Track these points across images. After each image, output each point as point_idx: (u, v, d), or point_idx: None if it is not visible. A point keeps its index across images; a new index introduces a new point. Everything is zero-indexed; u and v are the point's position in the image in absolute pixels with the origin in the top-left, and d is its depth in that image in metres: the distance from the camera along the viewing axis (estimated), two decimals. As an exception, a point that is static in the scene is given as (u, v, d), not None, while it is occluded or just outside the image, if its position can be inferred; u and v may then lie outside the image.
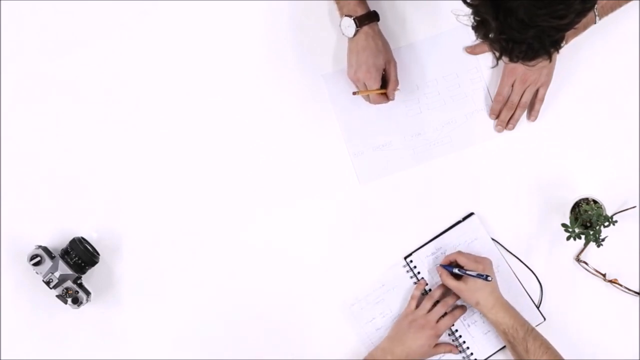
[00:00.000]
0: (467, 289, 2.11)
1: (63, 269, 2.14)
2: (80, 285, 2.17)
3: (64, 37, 2.26)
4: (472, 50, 2.24)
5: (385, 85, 2.19)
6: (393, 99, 2.20)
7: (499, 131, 2.24)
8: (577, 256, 2.19)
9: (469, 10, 1.62)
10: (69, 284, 2.13)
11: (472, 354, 2.19)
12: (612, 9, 2.14)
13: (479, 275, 2.08)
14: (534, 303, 2.20)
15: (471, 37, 2.20)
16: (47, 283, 2.13)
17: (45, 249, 2.16)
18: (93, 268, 2.20)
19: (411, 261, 2.22)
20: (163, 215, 2.24)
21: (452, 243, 2.22)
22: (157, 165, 2.25)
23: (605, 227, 2.07)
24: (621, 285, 2.18)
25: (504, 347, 2.16)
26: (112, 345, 2.23)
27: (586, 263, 2.18)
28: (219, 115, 2.25)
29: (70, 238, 2.18)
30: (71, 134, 2.25)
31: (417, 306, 2.18)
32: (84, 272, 2.18)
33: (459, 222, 2.22)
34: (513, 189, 2.22)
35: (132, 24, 2.27)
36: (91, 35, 2.26)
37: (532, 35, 1.57)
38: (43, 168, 2.25)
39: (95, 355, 2.22)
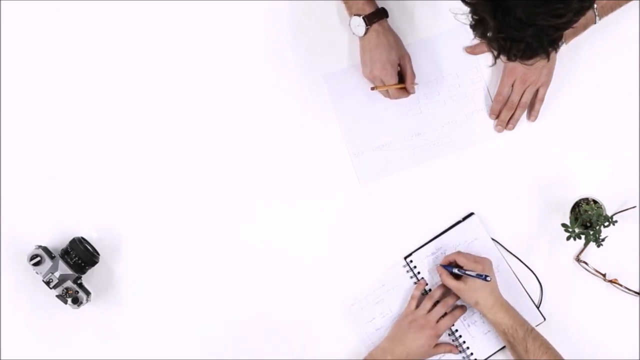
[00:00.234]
0: (467, 289, 2.11)
1: (63, 269, 2.14)
2: (80, 285, 2.17)
3: (64, 37, 2.26)
4: (472, 50, 2.24)
5: (402, 80, 2.19)
6: (414, 92, 2.20)
7: (499, 131, 2.24)
8: (577, 256, 2.19)
9: (467, 9, 1.62)
10: (69, 284, 2.14)
11: (472, 354, 2.19)
12: (612, 9, 2.14)
13: (479, 276, 2.08)
14: (534, 303, 2.20)
15: (471, 37, 2.20)
16: (47, 283, 2.13)
17: (45, 249, 2.16)
18: (93, 268, 2.20)
19: (411, 261, 2.22)
20: (163, 215, 2.24)
21: (452, 243, 2.22)
22: (157, 165, 2.25)
23: (605, 227, 2.07)
24: (621, 285, 2.18)
25: (504, 347, 2.16)
26: (112, 345, 2.23)
27: (586, 263, 2.18)
28: (219, 115, 2.25)
29: (70, 238, 2.18)
30: (71, 133, 2.25)
31: (417, 306, 2.18)
32: (84, 272, 2.18)
33: (459, 222, 2.22)
34: (513, 189, 2.22)
35: (132, 24, 2.27)
36: (91, 35, 2.26)
37: (531, 34, 1.57)
38: (43, 168, 2.25)
39: (95, 355, 2.22)
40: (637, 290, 2.18)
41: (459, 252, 2.16)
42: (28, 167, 2.25)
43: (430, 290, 2.21)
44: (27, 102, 2.25)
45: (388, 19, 2.17)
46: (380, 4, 2.18)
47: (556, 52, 1.65)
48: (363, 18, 2.12)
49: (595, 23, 2.14)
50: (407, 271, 2.22)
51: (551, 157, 2.22)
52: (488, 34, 1.61)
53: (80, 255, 2.15)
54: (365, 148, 2.25)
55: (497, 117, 2.23)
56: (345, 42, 2.18)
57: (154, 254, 2.24)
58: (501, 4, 1.55)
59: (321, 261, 2.23)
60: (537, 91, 2.20)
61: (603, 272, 2.18)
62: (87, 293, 2.17)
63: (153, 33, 2.27)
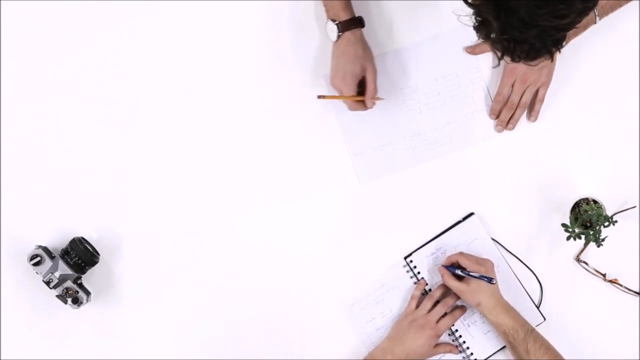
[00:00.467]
0: (469, 290, 2.11)
1: (63, 269, 2.14)
2: (80, 285, 2.17)
3: (64, 37, 2.26)
4: (472, 50, 2.24)
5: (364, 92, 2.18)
6: (370, 107, 2.18)
7: (499, 131, 2.24)
8: (577, 256, 2.19)
9: (470, 11, 1.62)
10: (69, 284, 2.13)
11: (472, 354, 2.19)
12: (612, 9, 2.14)
13: (483, 277, 2.08)
14: (534, 303, 2.20)
15: (471, 37, 2.22)
16: (47, 283, 2.13)
17: (45, 249, 2.15)
18: (93, 268, 2.20)
19: (411, 261, 2.22)
20: (163, 215, 2.24)
21: (452, 243, 2.22)
22: (157, 165, 2.25)
23: (605, 227, 2.07)
24: (621, 285, 2.18)
25: (504, 347, 2.16)
26: (112, 345, 2.22)
27: (586, 263, 2.18)
28: (219, 115, 2.25)
29: (70, 238, 2.18)
30: (71, 133, 2.25)
31: (417, 306, 2.18)
32: (84, 272, 2.18)
33: (459, 222, 2.22)
34: (513, 189, 2.22)
35: (133, 24, 2.26)
36: (91, 35, 2.26)
37: (534, 34, 1.57)
38: (43, 168, 2.24)
39: (95, 355, 2.22)
40: (637, 290, 2.18)
41: (461, 253, 2.16)
42: (28, 167, 2.24)
43: (430, 290, 2.21)
44: (27, 102, 2.25)
45: (363, 29, 2.15)
46: (380, 4, 2.18)
47: (560, 52, 1.65)
48: (337, 24, 2.12)
49: (595, 23, 2.13)
50: (407, 271, 2.22)
51: (551, 157, 2.22)
52: (492, 35, 1.61)
53: (80, 255, 2.15)
54: (365, 148, 2.25)
55: (497, 117, 2.23)
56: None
57: (154, 254, 2.24)
58: (504, 5, 1.55)
59: (321, 261, 2.23)
60: (537, 91, 2.21)
61: (603, 272, 2.18)
62: (87, 293, 2.17)
63: (153, 33, 2.27)
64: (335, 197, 2.24)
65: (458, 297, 2.17)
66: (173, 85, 2.26)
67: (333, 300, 2.22)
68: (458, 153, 2.24)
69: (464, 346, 2.19)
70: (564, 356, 2.08)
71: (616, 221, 2.08)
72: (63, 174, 2.24)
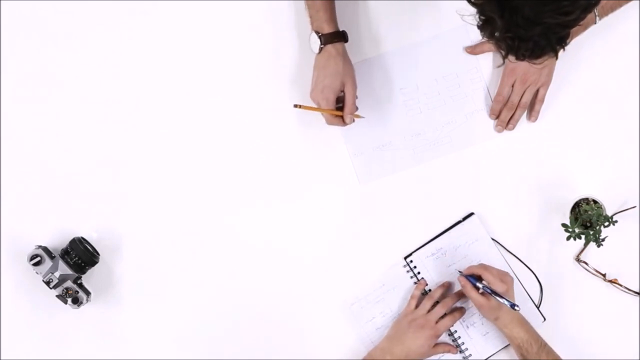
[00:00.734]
0: (489, 306, 2.08)
1: (63, 269, 2.13)
2: (80, 285, 2.16)
3: (64, 37, 2.26)
4: (472, 50, 2.24)
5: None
6: (349, 123, 2.15)
7: (499, 131, 2.24)
8: (577, 256, 2.19)
9: (473, 10, 1.62)
10: (69, 284, 2.13)
11: (470, 355, 2.19)
12: (612, 9, 2.15)
13: (510, 303, 2.05)
14: (534, 303, 2.20)
15: (471, 37, 2.22)
16: (47, 283, 2.13)
17: (45, 249, 2.15)
18: (93, 268, 2.19)
19: (411, 261, 2.22)
20: (163, 215, 2.24)
21: (452, 243, 2.22)
22: (157, 165, 2.25)
23: (605, 227, 2.07)
24: (621, 285, 2.19)
25: (503, 348, 2.17)
26: (112, 345, 2.22)
27: (586, 263, 2.19)
28: (219, 115, 2.25)
29: (70, 238, 2.18)
30: (71, 133, 2.25)
31: (417, 306, 2.18)
32: (84, 272, 2.18)
33: (459, 222, 2.22)
34: (513, 189, 2.22)
35: (133, 24, 2.26)
36: (91, 35, 2.26)
37: (539, 32, 1.57)
38: (43, 168, 2.24)
39: (95, 355, 2.22)
40: (637, 290, 2.19)
41: (483, 266, 2.12)
42: (28, 167, 2.24)
43: (430, 290, 2.21)
44: (27, 101, 2.25)
45: (346, 44, 2.15)
46: (380, 4, 2.18)
47: (564, 50, 1.65)
48: (320, 36, 2.12)
49: (595, 23, 2.14)
50: (407, 271, 2.22)
51: (551, 157, 2.23)
52: (496, 34, 1.61)
53: (80, 255, 2.15)
54: (365, 148, 2.25)
55: (497, 117, 2.23)
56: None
57: (154, 254, 2.23)
58: (508, 3, 1.54)
59: (321, 261, 2.23)
60: (537, 91, 2.21)
61: (603, 272, 2.19)
62: (87, 293, 2.17)
63: (153, 33, 2.27)
64: (335, 197, 2.24)
65: (458, 298, 2.18)
66: (173, 85, 2.26)
67: (333, 299, 2.22)
68: (458, 153, 2.24)
69: (463, 347, 2.19)
70: (564, 356, 2.09)
71: (616, 221, 2.08)
72: (63, 174, 2.24)
